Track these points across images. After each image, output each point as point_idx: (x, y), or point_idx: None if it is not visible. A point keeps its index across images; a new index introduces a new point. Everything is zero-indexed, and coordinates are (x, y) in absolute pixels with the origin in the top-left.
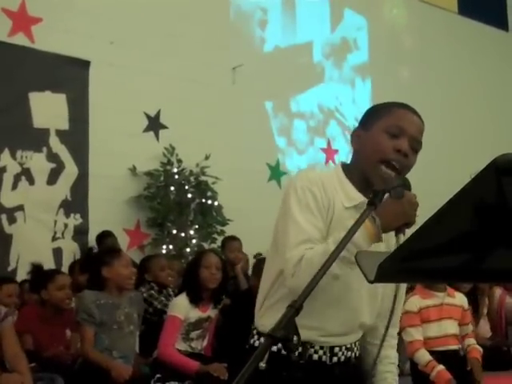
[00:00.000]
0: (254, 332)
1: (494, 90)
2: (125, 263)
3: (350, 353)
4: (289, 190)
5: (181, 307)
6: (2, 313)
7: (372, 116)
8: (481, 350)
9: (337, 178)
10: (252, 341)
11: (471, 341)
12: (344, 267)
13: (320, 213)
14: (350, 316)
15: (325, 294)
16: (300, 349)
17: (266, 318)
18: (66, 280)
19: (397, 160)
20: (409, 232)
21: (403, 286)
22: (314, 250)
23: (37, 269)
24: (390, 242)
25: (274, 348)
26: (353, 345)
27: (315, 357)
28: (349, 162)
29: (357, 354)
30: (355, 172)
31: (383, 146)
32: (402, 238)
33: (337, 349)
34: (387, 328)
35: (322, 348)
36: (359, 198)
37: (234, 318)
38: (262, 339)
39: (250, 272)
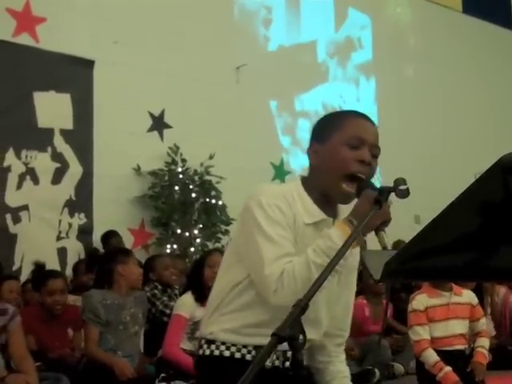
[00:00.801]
0: (203, 342)
1: (499, 89)
2: (136, 262)
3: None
4: (251, 206)
5: (186, 306)
6: (10, 312)
7: (326, 128)
8: (487, 356)
9: (296, 193)
10: (201, 351)
11: (481, 342)
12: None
13: (289, 227)
14: (312, 324)
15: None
16: (253, 352)
17: (216, 325)
18: (57, 285)
19: (361, 171)
20: (409, 232)
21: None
22: (293, 263)
23: (39, 268)
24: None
25: (227, 353)
26: (305, 351)
27: (267, 363)
28: (307, 176)
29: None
30: (315, 187)
31: (346, 160)
32: (385, 236)
33: (289, 353)
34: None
35: (275, 352)
36: (320, 215)
37: None
38: (213, 347)
39: None
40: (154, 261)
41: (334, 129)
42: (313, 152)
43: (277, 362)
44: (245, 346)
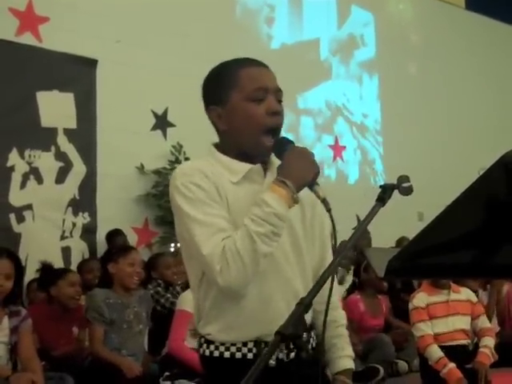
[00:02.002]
0: (202, 341)
1: (502, 85)
2: (131, 261)
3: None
4: (172, 192)
5: (189, 301)
6: (22, 314)
7: (220, 88)
8: (491, 355)
9: (214, 159)
10: (202, 350)
11: (486, 341)
12: (271, 243)
13: (214, 201)
14: (286, 292)
15: (259, 281)
16: (254, 349)
17: (211, 326)
18: (76, 278)
19: (274, 123)
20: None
21: (328, 232)
22: (233, 238)
23: (46, 267)
24: (303, 201)
25: (227, 354)
26: (307, 335)
27: (271, 361)
28: (219, 142)
29: (313, 345)
30: (230, 149)
31: (256, 117)
32: (320, 189)
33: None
34: (330, 295)
35: (307, 346)
36: (245, 168)
37: None
38: (212, 347)
39: None
40: (156, 260)
41: (230, 86)
42: (216, 117)
43: (281, 355)
44: (245, 344)
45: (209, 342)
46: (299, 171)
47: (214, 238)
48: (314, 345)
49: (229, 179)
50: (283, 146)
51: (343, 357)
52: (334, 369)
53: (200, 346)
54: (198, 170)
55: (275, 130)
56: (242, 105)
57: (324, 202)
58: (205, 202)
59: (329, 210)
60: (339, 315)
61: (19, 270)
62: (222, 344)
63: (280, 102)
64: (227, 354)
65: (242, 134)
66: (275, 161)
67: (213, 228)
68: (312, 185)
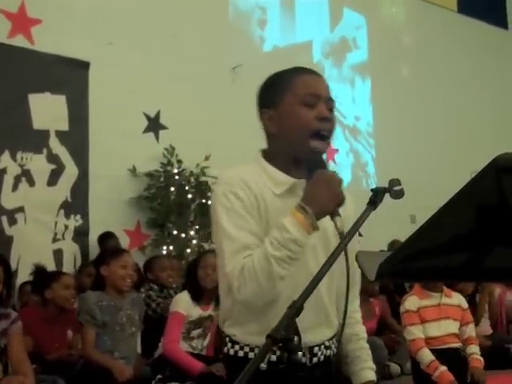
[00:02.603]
0: (227, 340)
1: (494, 89)
2: (123, 264)
3: (328, 351)
4: (213, 199)
5: (183, 303)
6: (12, 316)
7: (274, 92)
8: (482, 360)
9: (260, 168)
10: (226, 349)
11: (473, 349)
12: (288, 266)
13: (250, 214)
14: (315, 300)
15: (292, 291)
16: (278, 352)
17: (235, 328)
18: (70, 280)
19: (324, 128)
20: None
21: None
22: (253, 257)
23: (40, 270)
24: (326, 228)
25: (252, 355)
26: (330, 342)
27: (263, 364)
28: (267, 147)
29: (335, 352)
30: (279, 154)
31: (306, 120)
32: (340, 220)
33: (316, 349)
34: (346, 303)
35: (301, 349)
36: (289, 181)
37: None
38: (236, 347)
39: None
40: (152, 262)
41: (284, 90)
42: (267, 120)
43: (304, 359)
44: None
45: (233, 342)
46: (321, 200)
47: (237, 256)
48: (335, 351)
49: (272, 190)
50: (314, 167)
51: (366, 369)
52: (357, 380)
53: (224, 345)
54: (241, 179)
55: (324, 135)
56: (294, 108)
57: (341, 234)
58: (240, 215)
59: (342, 244)
60: (361, 329)
61: (8, 272)
62: (247, 345)
63: (331, 110)
64: (251, 355)
65: (290, 136)
66: None
67: (239, 244)
68: (333, 214)
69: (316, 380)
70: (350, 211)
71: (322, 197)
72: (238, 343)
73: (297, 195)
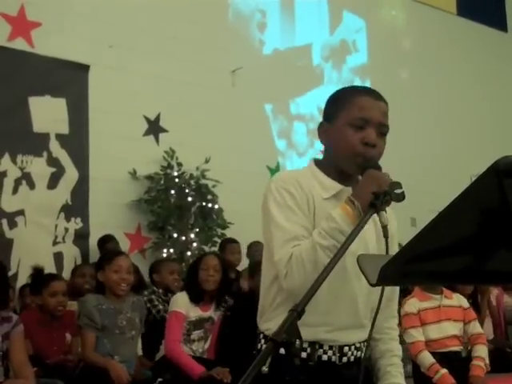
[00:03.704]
0: (261, 336)
1: (494, 91)
2: (116, 268)
3: (359, 353)
4: (266, 194)
5: (181, 303)
6: (13, 320)
7: (333, 107)
8: (485, 367)
9: (311, 173)
10: (259, 345)
11: (479, 351)
12: (332, 255)
13: (300, 209)
14: (351, 303)
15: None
16: (309, 350)
17: (272, 322)
18: (59, 286)
19: (365, 153)
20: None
21: None
22: (301, 247)
23: (37, 272)
24: (366, 237)
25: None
26: (362, 345)
27: (325, 357)
28: (321, 157)
29: (367, 355)
30: (329, 165)
31: (350, 142)
32: (384, 216)
33: (346, 348)
34: (375, 317)
35: (331, 348)
36: (337, 187)
37: (236, 320)
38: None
39: None
40: (159, 265)
41: (339, 108)
42: (322, 132)
43: (333, 358)
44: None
45: (266, 338)
46: (369, 194)
47: (287, 245)
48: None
49: (320, 194)
50: (367, 167)
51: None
52: None
53: (259, 341)
54: (294, 179)
55: (366, 159)
56: (343, 128)
57: (384, 228)
58: (291, 209)
59: (386, 237)
60: (396, 347)
61: (4, 276)
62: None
63: (382, 134)
64: (282, 351)
65: (336, 152)
66: None
67: (289, 234)
68: (379, 209)
69: (344, 380)
70: (392, 228)
71: (369, 192)
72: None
73: (342, 201)
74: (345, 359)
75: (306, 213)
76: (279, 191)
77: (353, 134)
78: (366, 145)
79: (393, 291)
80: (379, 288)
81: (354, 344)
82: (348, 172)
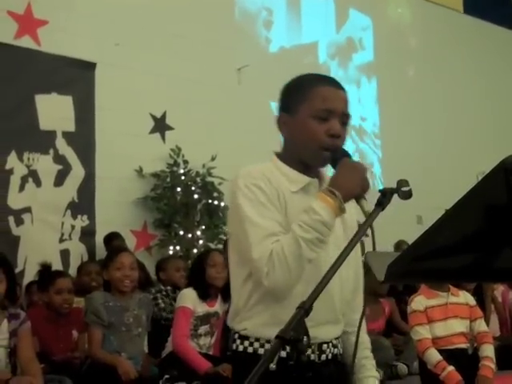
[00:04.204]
0: (236, 336)
1: (500, 90)
2: (118, 266)
3: (335, 350)
4: (234, 190)
5: (189, 298)
6: (21, 317)
7: (293, 98)
8: (494, 367)
9: (275, 167)
10: (234, 346)
11: (486, 351)
12: (316, 249)
13: (273, 205)
14: (328, 298)
15: (305, 285)
16: (288, 348)
17: (248, 322)
18: (65, 284)
19: (331, 145)
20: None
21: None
22: (281, 242)
23: (45, 268)
24: (336, 226)
25: (262, 351)
26: (337, 341)
27: (272, 365)
28: (281, 149)
29: (341, 352)
30: (292, 158)
31: (315, 134)
32: (365, 204)
33: (325, 346)
34: (361, 320)
35: (310, 346)
36: (304, 180)
37: None
38: (246, 343)
39: None
40: (166, 262)
41: (300, 99)
42: (282, 123)
43: (312, 356)
44: None
45: (243, 338)
46: (348, 183)
47: (265, 242)
48: (341, 351)
49: (288, 188)
50: (338, 158)
51: (371, 377)
52: None
53: (233, 341)
54: (262, 173)
55: (332, 150)
56: (306, 120)
57: (367, 215)
58: (264, 205)
59: (370, 226)
60: (366, 338)
61: (11, 273)
62: (257, 340)
63: (344, 125)
64: (261, 351)
65: (300, 146)
66: (328, 177)
67: (265, 230)
68: (359, 198)
69: (323, 379)
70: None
71: (348, 181)
72: (247, 338)
73: (310, 193)
74: (323, 357)
75: (278, 208)
76: (249, 187)
77: (317, 126)
78: (331, 136)
79: (358, 282)
80: (350, 281)
81: (331, 341)
82: (311, 164)
